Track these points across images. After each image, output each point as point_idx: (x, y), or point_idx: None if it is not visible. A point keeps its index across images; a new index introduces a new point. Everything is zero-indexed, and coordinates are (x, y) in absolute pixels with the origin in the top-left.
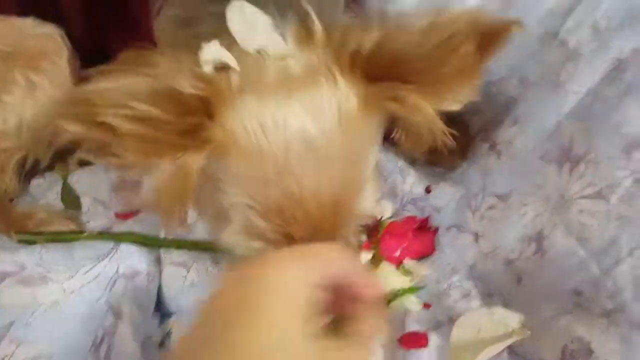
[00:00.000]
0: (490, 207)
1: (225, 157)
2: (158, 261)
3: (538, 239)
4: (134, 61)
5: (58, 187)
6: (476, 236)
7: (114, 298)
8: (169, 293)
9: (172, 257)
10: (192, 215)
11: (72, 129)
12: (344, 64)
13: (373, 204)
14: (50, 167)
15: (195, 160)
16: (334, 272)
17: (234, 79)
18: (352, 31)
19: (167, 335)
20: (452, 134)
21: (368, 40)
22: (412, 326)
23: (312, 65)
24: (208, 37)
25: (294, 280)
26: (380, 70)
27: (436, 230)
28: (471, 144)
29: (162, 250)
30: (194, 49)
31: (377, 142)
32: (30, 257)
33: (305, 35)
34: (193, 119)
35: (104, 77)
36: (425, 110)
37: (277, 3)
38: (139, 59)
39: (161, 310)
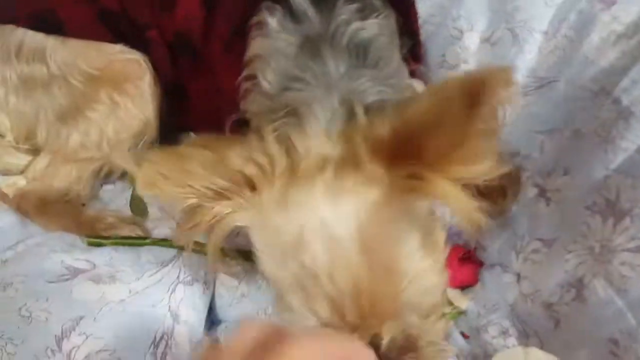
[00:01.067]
0: (535, 251)
1: (254, 227)
2: (216, 269)
3: (578, 286)
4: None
5: (127, 194)
6: (518, 277)
7: (173, 302)
8: (220, 302)
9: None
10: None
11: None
12: (370, 148)
13: (432, 279)
14: (121, 176)
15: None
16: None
17: (281, 164)
18: (374, 121)
19: (216, 342)
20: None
21: (384, 126)
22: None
23: (345, 153)
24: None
25: None
26: (403, 151)
27: (481, 263)
28: (522, 189)
29: None
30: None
31: (421, 227)
32: (100, 257)
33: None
34: (236, 187)
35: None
36: (447, 190)
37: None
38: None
39: (212, 317)
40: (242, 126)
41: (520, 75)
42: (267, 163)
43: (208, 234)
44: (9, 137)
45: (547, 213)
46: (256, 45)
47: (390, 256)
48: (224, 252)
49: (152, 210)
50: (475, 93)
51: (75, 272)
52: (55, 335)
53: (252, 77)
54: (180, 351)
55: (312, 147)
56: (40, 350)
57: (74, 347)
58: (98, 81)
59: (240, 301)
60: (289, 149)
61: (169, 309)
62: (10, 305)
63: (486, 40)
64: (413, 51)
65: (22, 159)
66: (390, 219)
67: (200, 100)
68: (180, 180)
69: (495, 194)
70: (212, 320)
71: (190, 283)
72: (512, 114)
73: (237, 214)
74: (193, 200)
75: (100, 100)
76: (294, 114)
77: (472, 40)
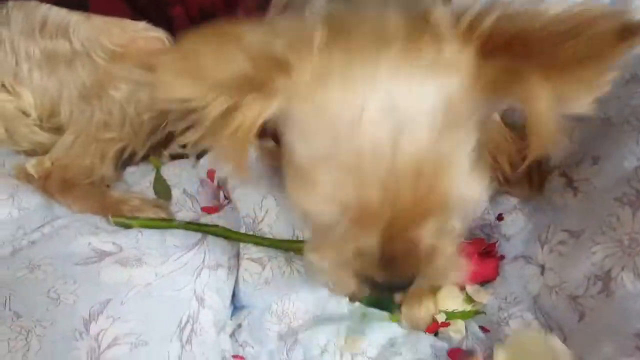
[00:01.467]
0: (561, 242)
1: (297, 112)
2: (237, 256)
3: (605, 278)
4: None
5: (150, 177)
6: (543, 269)
7: (198, 286)
8: (244, 287)
9: (250, 252)
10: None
11: (177, 85)
12: (458, 33)
13: (475, 194)
14: (144, 158)
15: (261, 107)
16: None
17: (319, 36)
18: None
19: (239, 326)
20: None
21: (490, 13)
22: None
23: (415, 28)
24: None
25: None
26: (500, 46)
27: (502, 257)
28: (547, 177)
29: (241, 245)
30: None
31: (485, 129)
32: (127, 240)
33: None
34: (267, 72)
35: (202, 39)
36: (543, 98)
37: None
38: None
39: (235, 302)
40: None
41: None
42: (300, 38)
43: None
44: (33, 115)
45: (575, 204)
46: None
47: (451, 152)
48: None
49: (176, 193)
50: (631, 30)
51: (102, 255)
52: (83, 318)
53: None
54: (205, 335)
55: (367, 19)
56: (68, 332)
57: (101, 330)
58: (121, 59)
59: (264, 287)
60: (332, 21)
61: (194, 293)
62: (38, 288)
63: None
64: None
65: (46, 138)
66: (462, 111)
67: None
68: (200, 80)
69: (520, 182)
70: (235, 305)
71: (215, 268)
72: None
73: (272, 101)
74: (219, 103)
75: (123, 79)
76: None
77: None
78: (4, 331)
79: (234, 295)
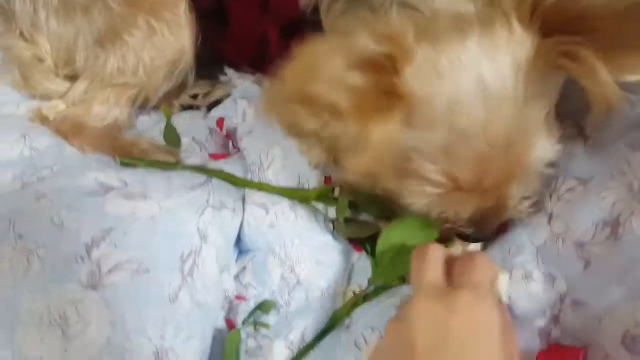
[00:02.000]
0: (570, 190)
1: (407, 109)
2: (242, 200)
3: (614, 224)
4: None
5: (161, 126)
6: (550, 217)
7: (202, 223)
8: (248, 231)
9: (254, 197)
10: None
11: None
12: (522, 13)
13: (549, 154)
14: (155, 107)
15: (398, 118)
16: None
17: (410, 31)
18: None
19: (243, 269)
20: None
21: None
22: None
23: (486, 12)
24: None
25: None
26: (560, 23)
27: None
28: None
29: (246, 191)
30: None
31: (552, 97)
32: (133, 176)
33: None
34: (387, 78)
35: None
36: (600, 74)
37: None
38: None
39: (240, 247)
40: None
41: None
42: (395, 35)
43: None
44: (49, 62)
45: (585, 151)
46: None
47: (532, 121)
48: None
49: (185, 141)
50: None
51: (107, 189)
52: (85, 244)
53: None
54: (207, 270)
55: (440, 9)
56: (69, 256)
57: (102, 255)
58: (136, 5)
59: (268, 230)
60: (412, 17)
61: (198, 230)
62: (42, 214)
63: None
64: None
65: (61, 85)
66: (536, 84)
67: (240, 23)
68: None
69: None
70: (240, 249)
71: (219, 208)
72: None
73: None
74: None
75: (137, 25)
76: None
77: None
78: (7, 251)
79: (239, 240)
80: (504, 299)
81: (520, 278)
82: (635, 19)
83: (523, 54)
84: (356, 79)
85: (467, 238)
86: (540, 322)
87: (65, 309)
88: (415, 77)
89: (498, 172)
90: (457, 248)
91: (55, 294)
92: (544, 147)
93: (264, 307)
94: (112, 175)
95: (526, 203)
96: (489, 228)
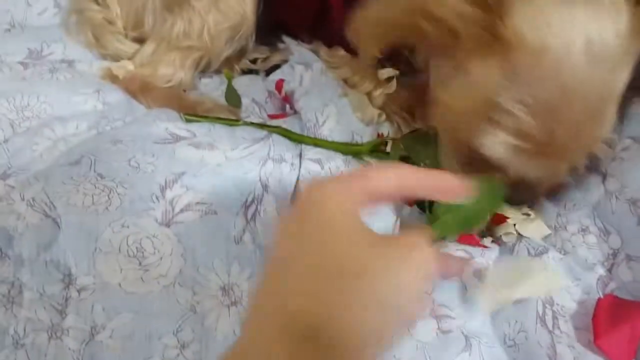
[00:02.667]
0: (624, 149)
1: (509, 55)
2: (300, 156)
3: None
4: None
5: (223, 88)
6: (604, 176)
7: (263, 173)
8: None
9: (310, 153)
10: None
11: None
12: None
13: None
14: (217, 71)
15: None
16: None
17: None
18: None
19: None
20: None
21: None
22: (522, 251)
23: None
24: None
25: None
26: None
27: None
28: None
29: (303, 146)
30: None
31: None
32: (200, 129)
33: None
34: (492, 16)
35: None
36: None
37: None
38: None
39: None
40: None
41: None
42: None
43: None
44: (119, 24)
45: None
46: None
47: (617, 89)
48: None
49: (245, 102)
50: None
51: (177, 138)
52: (160, 185)
53: None
54: (267, 217)
55: None
56: (146, 194)
57: (175, 196)
58: None
59: None
60: None
61: (259, 179)
62: (120, 156)
63: None
64: None
65: (130, 47)
66: (629, 50)
67: None
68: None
69: None
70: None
71: (279, 161)
72: None
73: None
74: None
75: None
76: None
77: None
78: (89, 188)
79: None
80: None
81: (577, 231)
82: None
83: (622, 21)
84: (468, 10)
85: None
86: (598, 273)
87: (141, 242)
88: (524, 24)
89: (584, 137)
90: None
91: (133, 228)
92: (607, 125)
93: None
94: (181, 126)
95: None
96: (535, 197)
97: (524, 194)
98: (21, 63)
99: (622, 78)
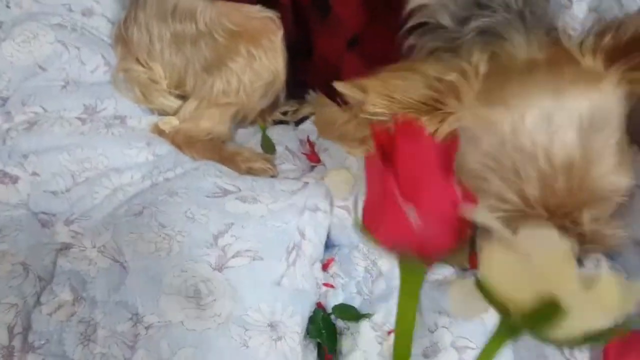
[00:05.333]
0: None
1: (467, 126)
2: (332, 203)
3: None
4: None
5: (258, 137)
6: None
7: (301, 223)
8: (334, 229)
9: (338, 200)
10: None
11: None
12: (586, 49)
13: (623, 182)
14: (252, 123)
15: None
16: None
17: (483, 67)
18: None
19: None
20: None
21: (607, 31)
22: None
23: (553, 52)
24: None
25: None
26: (622, 52)
27: None
28: None
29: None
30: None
31: (619, 127)
32: (244, 183)
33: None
34: (442, 96)
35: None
36: None
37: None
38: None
39: (327, 242)
40: None
41: None
42: (469, 68)
43: None
44: (163, 84)
45: None
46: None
47: (598, 149)
48: None
49: (279, 149)
50: None
51: (225, 192)
52: (213, 234)
53: (418, 27)
54: (305, 261)
55: (515, 53)
56: (201, 242)
57: (227, 244)
58: (238, 36)
59: (351, 229)
60: (491, 56)
61: (298, 228)
62: (177, 208)
63: (594, 10)
64: None
65: (174, 103)
66: (604, 113)
67: (322, 57)
68: (393, 102)
69: None
70: (327, 244)
71: (314, 210)
72: None
73: (451, 119)
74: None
75: (239, 53)
76: (486, 33)
77: (580, 9)
78: (152, 236)
79: (328, 236)
80: None
81: (592, 267)
82: None
83: (591, 85)
84: (427, 96)
85: None
86: None
87: (198, 285)
88: (480, 103)
89: (563, 193)
90: None
91: (190, 272)
92: (613, 174)
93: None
94: (227, 181)
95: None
96: None
97: None
98: (79, 118)
99: (603, 139)
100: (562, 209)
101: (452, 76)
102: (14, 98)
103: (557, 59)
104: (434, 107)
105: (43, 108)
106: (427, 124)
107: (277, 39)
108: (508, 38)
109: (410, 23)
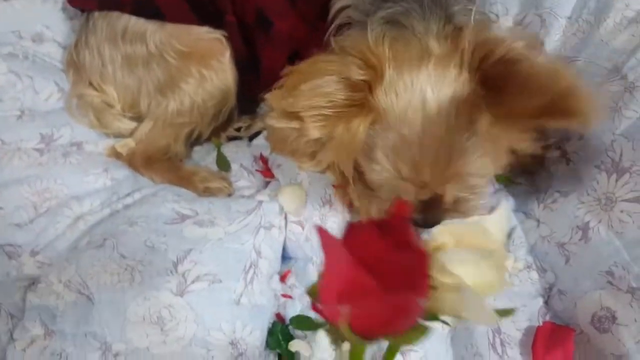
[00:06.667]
0: (553, 201)
1: (379, 123)
2: (286, 218)
3: (585, 229)
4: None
5: (213, 154)
6: (538, 222)
7: (256, 241)
8: (289, 243)
9: (292, 216)
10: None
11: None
12: (473, 61)
13: (484, 171)
14: (207, 139)
15: (362, 124)
16: None
17: (386, 58)
18: (493, 38)
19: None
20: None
21: (494, 52)
22: None
23: (447, 52)
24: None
25: None
26: (494, 79)
27: None
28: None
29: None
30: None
31: (478, 131)
32: (202, 207)
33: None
34: (360, 95)
35: (298, 77)
36: (494, 131)
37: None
38: (320, 60)
39: (284, 254)
40: None
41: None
42: (375, 61)
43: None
44: (117, 107)
45: (567, 171)
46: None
47: (463, 141)
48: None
49: (234, 167)
50: (574, 110)
51: (183, 217)
52: (173, 261)
53: (343, 26)
54: (262, 278)
55: (412, 41)
56: (162, 270)
57: (186, 270)
58: (188, 57)
59: (305, 243)
60: (391, 44)
61: (254, 247)
62: (138, 238)
63: (518, 23)
64: None
65: (129, 125)
66: (467, 116)
67: (268, 68)
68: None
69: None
70: (284, 256)
71: (269, 228)
72: None
73: (365, 119)
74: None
75: (191, 74)
76: (391, 22)
77: (506, 24)
78: (115, 268)
79: (283, 249)
80: None
81: (523, 267)
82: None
83: (462, 92)
84: (340, 94)
85: (416, 224)
86: (538, 304)
87: (161, 311)
88: (382, 95)
89: (430, 172)
90: None
91: (153, 300)
92: (476, 163)
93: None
94: (185, 205)
95: (464, 205)
96: (434, 219)
97: (428, 217)
98: (36, 149)
99: (464, 135)
100: (428, 182)
101: (354, 73)
102: None
103: (447, 56)
104: (358, 104)
105: (1, 140)
106: (346, 126)
107: (225, 59)
108: (408, 26)
109: (334, 24)
